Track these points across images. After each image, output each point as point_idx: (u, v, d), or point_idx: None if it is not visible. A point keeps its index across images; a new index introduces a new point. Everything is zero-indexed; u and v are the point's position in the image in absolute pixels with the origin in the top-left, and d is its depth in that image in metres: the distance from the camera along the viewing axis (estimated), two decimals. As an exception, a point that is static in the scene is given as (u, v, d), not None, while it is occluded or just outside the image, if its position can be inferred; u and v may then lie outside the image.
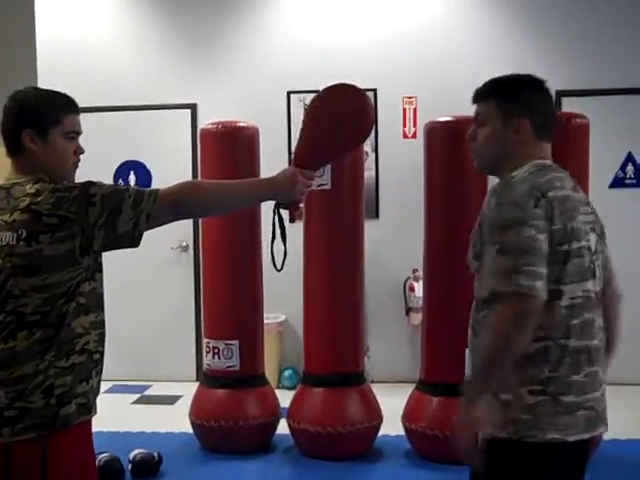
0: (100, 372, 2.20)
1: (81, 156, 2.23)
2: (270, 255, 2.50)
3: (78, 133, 2.21)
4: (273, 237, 2.43)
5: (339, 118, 2.33)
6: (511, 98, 2.18)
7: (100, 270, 2.15)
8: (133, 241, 2.07)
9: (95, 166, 6.48)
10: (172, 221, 2.14)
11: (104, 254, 2.12)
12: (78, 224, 2.01)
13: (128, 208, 2.03)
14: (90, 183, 2.07)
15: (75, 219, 2.01)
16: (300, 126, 2.41)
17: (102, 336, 2.18)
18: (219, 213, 2.28)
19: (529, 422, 2.01)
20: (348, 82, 2.44)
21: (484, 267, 2.06)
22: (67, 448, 2.08)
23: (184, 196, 2.12)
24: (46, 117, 2.14)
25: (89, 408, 2.14)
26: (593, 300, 2.10)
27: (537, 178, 2.07)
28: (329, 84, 2.44)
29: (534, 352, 2.02)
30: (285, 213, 2.37)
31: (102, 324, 2.18)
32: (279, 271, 2.54)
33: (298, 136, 2.40)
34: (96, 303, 2.14)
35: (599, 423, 2.11)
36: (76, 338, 2.08)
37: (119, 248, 2.11)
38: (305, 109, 2.42)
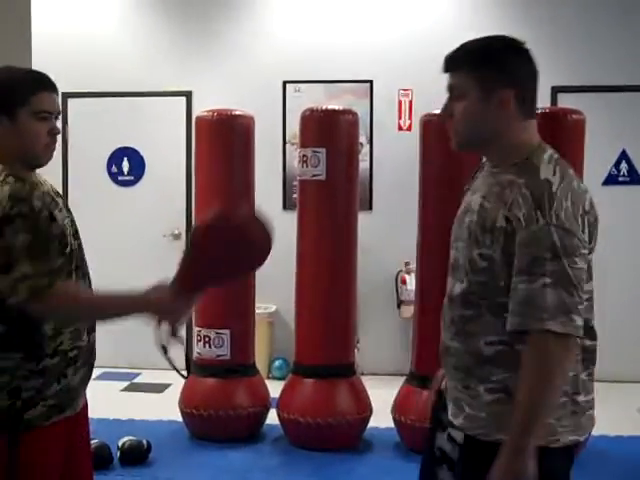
0: (82, 366, 2.14)
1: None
2: (171, 366, 2.23)
3: (51, 112, 2.10)
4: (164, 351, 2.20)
5: (230, 251, 2.06)
6: (491, 67, 1.91)
7: (70, 265, 2.09)
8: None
9: (89, 152, 6.52)
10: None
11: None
12: None
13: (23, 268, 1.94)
14: (5, 221, 1.95)
15: None
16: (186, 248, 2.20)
17: (77, 331, 2.11)
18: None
19: (552, 426, 1.87)
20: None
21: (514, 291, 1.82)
22: (33, 450, 2.02)
23: (50, 308, 1.99)
24: (12, 97, 2.04)
25: (61, 407, 2.08)
26: (592, 301, 1.99)
27: (571, 183, 1.85)
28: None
29: None
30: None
31: None
32: (185, 378, 2.35)
33: (181, 260, 2.15)
34: None
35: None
36: (47, 340, 2.03)
37: None
38: (191, 235, 2.24)
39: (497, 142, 1.95)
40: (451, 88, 1.97)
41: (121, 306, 2.13)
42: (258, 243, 2.11)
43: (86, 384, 2.21)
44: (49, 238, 2.01)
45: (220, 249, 2.04)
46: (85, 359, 2.16)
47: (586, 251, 1.82)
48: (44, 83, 2.10)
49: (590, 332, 1.92)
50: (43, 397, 2.03)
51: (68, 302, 2.04)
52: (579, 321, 1.79)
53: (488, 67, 1.92)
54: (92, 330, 2.20)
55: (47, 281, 1.96)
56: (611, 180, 6.11)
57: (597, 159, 5.65)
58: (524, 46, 2.00)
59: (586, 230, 1.83)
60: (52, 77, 2.18)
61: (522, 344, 1.83)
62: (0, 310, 1.98)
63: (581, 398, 1.92)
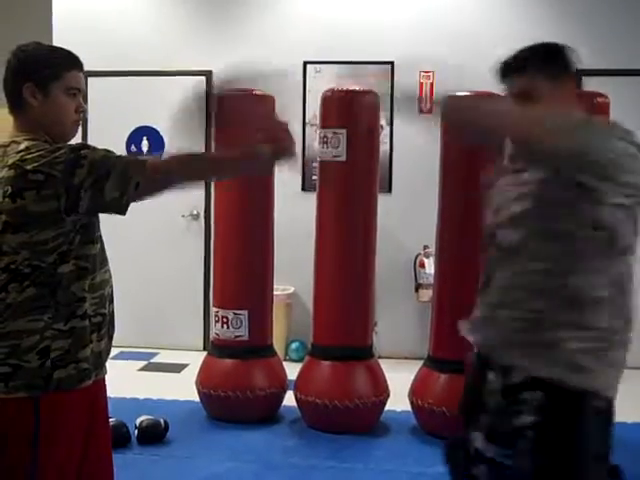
0: (105, 335, 2.18)
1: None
2: None
3: (80, 90, 2.17)
4: None
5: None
6: (555, 62, 2.08)
7: (98, 231, 2.15)
8: (120, 209, 2.03)
9: (109, 131, 6.51)
10: (162, 193, 2.11)
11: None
12: (63, 184, 1.97)
13: (116, 175, 1.99)
14: (83, 145, 2.04)
15: (61, 178, 1.97)
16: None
17: (102, 298, 2.16)
18: (209, 180, 2.23)
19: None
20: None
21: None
22: (60, 412, 2.07)
23: (173, 167, 2.11)
24: (47, 71, 2.11)
25: (88, 374, 2.12)
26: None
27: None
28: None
29: None
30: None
31: (100, 286, 2.15)
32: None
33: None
34: (93, 266, 2.12)
35: None
36: (77, 302, 2.07)
37: (105, 213, 2.08)
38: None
39: None
40: (519, 91, 2.05)
41: (232, 155, 2.27)
42: None
43: (108, 354, 2.25)
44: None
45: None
46: (107, 329, 2.20)
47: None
48: (76, 61, 2.18)
49: None
50: (74, 359, 2.07)
51: (182, 160, 2.14)
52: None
53: (554, 62, 2.07)
54: (112, 300, 2.24)
55: (140, 161, 2.07)
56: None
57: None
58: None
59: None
60: None
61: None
62: (31, 275, 2.01)
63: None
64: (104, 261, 2.20)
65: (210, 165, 2.24)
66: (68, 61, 2.16)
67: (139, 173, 2.02)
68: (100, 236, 2.19)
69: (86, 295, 2.09)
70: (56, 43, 6.20)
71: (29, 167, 1.97)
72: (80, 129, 2.27)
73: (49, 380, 2.04)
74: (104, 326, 2.18)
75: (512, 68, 2.07)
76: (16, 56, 2.15)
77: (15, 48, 2.16)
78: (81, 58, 2.21)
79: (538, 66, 2.05)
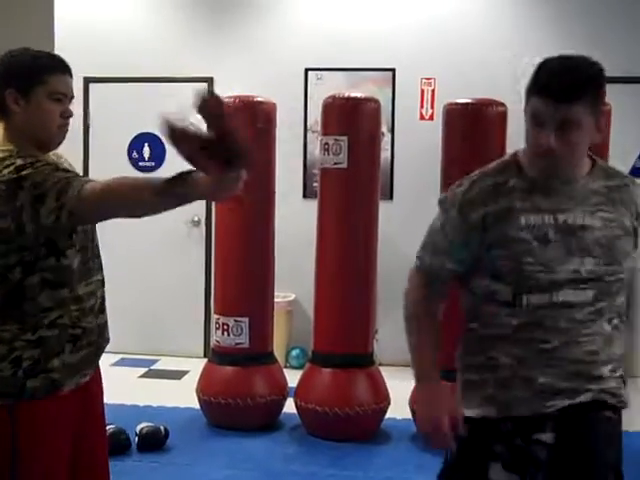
0: (84, 347, 2.13)
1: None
2: None
3: (65, 95, 2.12)
4: None
5: None
6: (602, 92, 1.92)
7: (72, 246, 2.07)
8: (56, 234, 1.97)
9: (110, 138, 6.52)
10: (104, 220, 2.01)
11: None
12: (7, 204, 1.92)
13: (52, 199, 1.89)
14: (30, 164, 1.95)
15: (5, 198, 1.92)
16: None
17: (83, 311, 2.11)
18: (148, 213, 1.88)
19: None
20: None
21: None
22: (37, 421, 2.05)
23: (109, 196, 1.90)
24: (29, 76, 2.06)
25: (59, 384, 2.08)
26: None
27: None
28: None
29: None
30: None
31: (81, 298, 2.11)
32: None
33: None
34: (68, 279, 2.08)
35: None
36: (43, 312, 2.04)
37: (53, 237, 2.01)
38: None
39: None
40: (566, 119, 1.87)
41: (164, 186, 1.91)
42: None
43: (90, 364, 2.19)
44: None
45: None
46: (91, 340, 2.15)
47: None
48: (60, 65, 2.13)
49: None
50: (44, 369, 2.05)
51: (112, 191, 1.91)
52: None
53: (602, 93, 1.93)
54: (101, 312, 2.21)
55: (78, 186, 1.90)
56: (636, 172, 6.02)
57: (623, 150, 5.57)
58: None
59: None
60: (74, 62, 2.20)
61: None
62: None
63: None
64: (88, 273, 2.15)
65: (146, 196, 1.88)
66: (52, 65, 2.10)
67: (74, 199, 1.88)
68: (85, 248, 2.13)
69: (55, 305, 2.05)
70: (57, 50, 6.23)
71: None
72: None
73: (22, 389, 2.02)
74: (84, 338, 2.12)
75: (570, 93, 1.86)
76: (2, 62, 2.11)
77: (3, 54, 2.13)
78: (82, 64, 2.20)
79: (591, 94, 1.89)
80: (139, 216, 1.95)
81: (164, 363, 6.26)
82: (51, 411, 2.07)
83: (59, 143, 2.15)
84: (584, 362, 1.97)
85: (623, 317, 2.02)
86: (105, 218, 2.02)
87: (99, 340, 2.20)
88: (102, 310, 2.22)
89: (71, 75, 2.15)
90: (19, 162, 1.96)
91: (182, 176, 1.75)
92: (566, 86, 1.86)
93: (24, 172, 1.93)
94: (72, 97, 2.16)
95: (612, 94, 4.96)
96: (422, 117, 6.23)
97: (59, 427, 2.10)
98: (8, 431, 2.01)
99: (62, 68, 2.12)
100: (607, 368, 1.99)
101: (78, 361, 2.13)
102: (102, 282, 2.24)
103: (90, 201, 1.89)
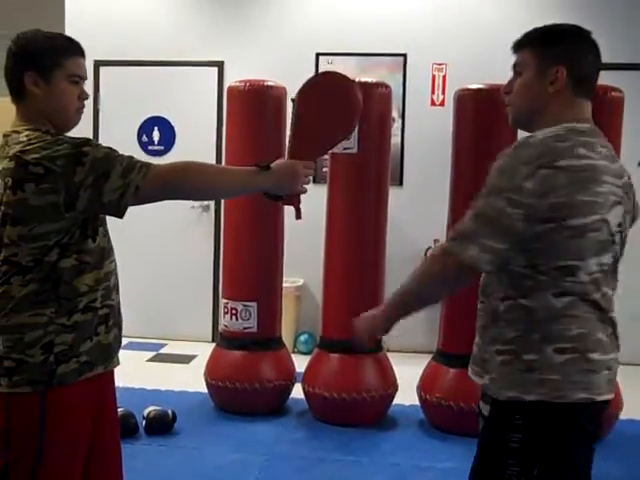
0: (113, 327, 2.17)
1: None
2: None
3: (82, 77, 2.15)
4: None
5: (330, 107, 2.25)
6: (550, 45, 2.00)
7: (102, 225, 2.12)
8: (118, 211, 1.99)
9: (120, 121, 6.51)
10: (162, 200, 2.06)
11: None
12: (63, 180, 1.93)
13: (117, 176, 1.95)
14: (86, 141, 1.99)
15: (61, 174, 1.93)
16: (291, 117, 2.29)
17: (108, 289, 2.14)
18: (212, 198, 2.12)
19: (558, 383, 1.90)
20: (337, 70, 2.38)
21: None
22: (66, 406, 2.06)
23: (174, 178, 2.04)
24: (49, 59, 2.08)
25: (91, 365, 2.10)
26: (608, 273, 1.98)
27: (556, 142, 1.88)
28: (323, 71, 2.36)
29: (561, 308, 1.91)
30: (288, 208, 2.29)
31: (106, 277, 2.14)
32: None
33: (290, 127, 2.30)
34: (99, 259, 2.11)
35: (614, 386, 2.05)
36: (80, 296, 2.06)
37: (103, 214, 2.07)
38: (293, 100, 2.31)
39: (542, 116, 2.01)
40: (514, 66, 2.07)
41: (251, 173, 2.25)
42: (351, 102, 2.28)
43: (120, 344, 2.24)
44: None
45: (322, 107, 2.23)
46: (115, 319, 2.19)
47: (519, 198, 1.85)
48: (78, 48, 2.16)
49: (604, 299, 1.96)
50: (76, 354, 2.06)
51: (206, 170, 2.17)
52: (474, 252, 1.91)
53: (547, 45, 2.02)
54: (117, 291, 2.23)
55: (142, 165, 2.00)
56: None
57: (635, 139, 5.53)
58: (586, 32, 2.07)
59: (538, 181, 1.84)
60: (84, 45, 2.21)
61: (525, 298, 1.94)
62: (34, 269, 2.00)
63: (595, 356, 1.93)
64: (109, 252, 2.18)
65: (219, 181, 2.19)
66: (69, 48, 2.13)
67: (140, 177, 1.97)
68: (105, 227, 2.16)
69: (89, 289, 2.07)
70: (68, 33, 6.18)
71: (29, 158, 1.95)
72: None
73: (52, 375, 2.03)
74: (112, 317, 2.16)
75: (516, 43, 2.08)
76: (16, 44, 2.12)
77: (16, 36, 2.13)
78: (93, 47, 2.20)
79: (533, 45, 2.03)
80: (201, 199, 2.14)
81: (172, 347, 6.28)
82: (79, 395, 2.09)
83: (75, 125, 2.17)
84: None
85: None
86: (170, 197, 2.08)
87: (119, 319, 2.23)
88: (118, 289, 2.24)
89: (85, 58, 2.18)
90: (69, 140, 1.99)
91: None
92: (518, 39, 2.07)
93: (84, 148, 1.96)
94: (85, 79, 2.18)
95: (625, 81, 4.95)
96: (433, 103, 6.20)
97: (85, 410, 2.12)
98: (37, 416, 2.02)
99: (79, 51, 2.15)
100: None
101: (110, 342, 2.16)
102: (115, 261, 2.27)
103: (156, 178, 1.99)
